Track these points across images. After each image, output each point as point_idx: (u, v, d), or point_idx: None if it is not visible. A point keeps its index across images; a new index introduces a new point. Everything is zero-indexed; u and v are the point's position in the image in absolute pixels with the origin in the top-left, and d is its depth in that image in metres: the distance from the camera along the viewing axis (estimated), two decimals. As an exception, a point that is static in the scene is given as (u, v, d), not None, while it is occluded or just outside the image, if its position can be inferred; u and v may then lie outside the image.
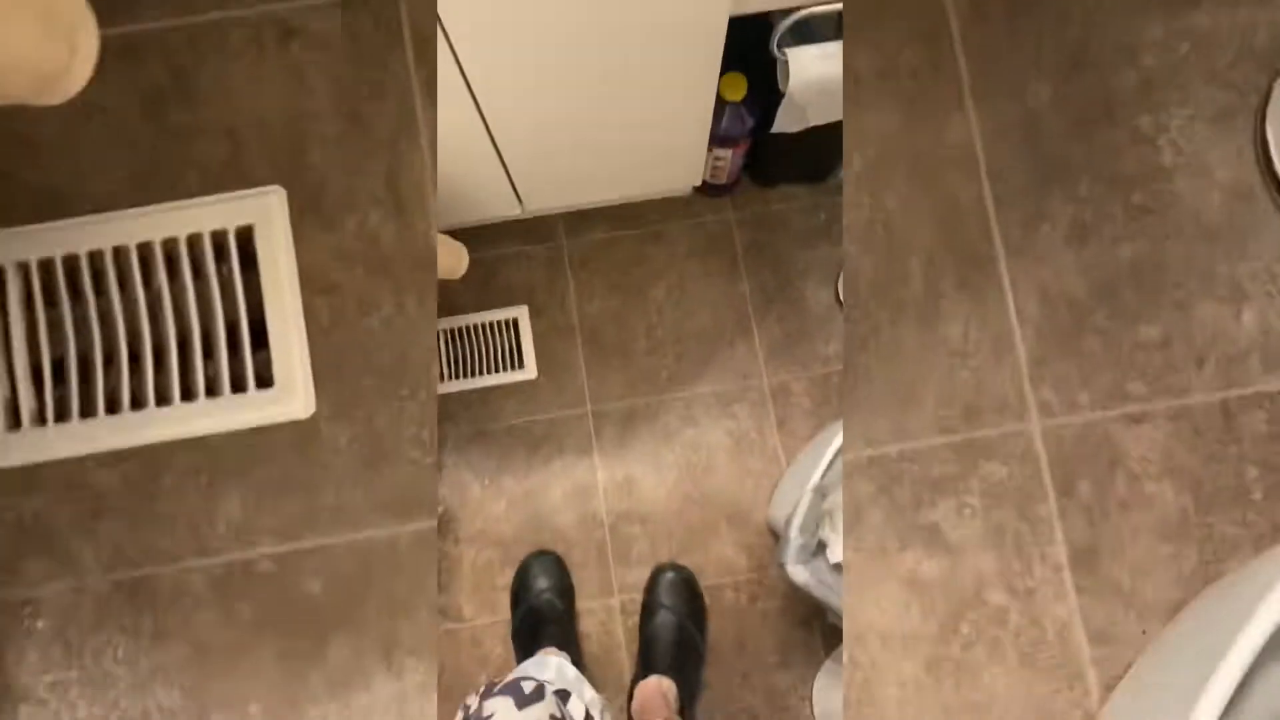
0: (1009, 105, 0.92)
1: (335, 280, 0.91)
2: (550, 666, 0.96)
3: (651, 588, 1.42)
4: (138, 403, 0.89)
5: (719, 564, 1.48)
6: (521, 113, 1.07)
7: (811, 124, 1.23)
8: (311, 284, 0.91)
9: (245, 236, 0.91)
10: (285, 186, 0.91)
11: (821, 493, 1.02)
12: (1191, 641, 0.85)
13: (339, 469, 0.89)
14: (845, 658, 0.88)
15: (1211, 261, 0.91)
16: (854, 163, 0.92)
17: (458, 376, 1.53)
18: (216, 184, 0.92)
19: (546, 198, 1.42)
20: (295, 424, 0.89)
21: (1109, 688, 0.87)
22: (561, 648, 1.33)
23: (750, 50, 1.13)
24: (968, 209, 0.92)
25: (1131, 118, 0.92)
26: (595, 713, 0.88)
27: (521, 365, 1.53)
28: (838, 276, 1.51)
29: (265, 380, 0.89)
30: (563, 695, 0.84)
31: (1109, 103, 0.92)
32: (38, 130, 0.91)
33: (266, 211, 0.91)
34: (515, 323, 1.55)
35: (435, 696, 0.87)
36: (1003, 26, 0.92)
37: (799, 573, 1.01)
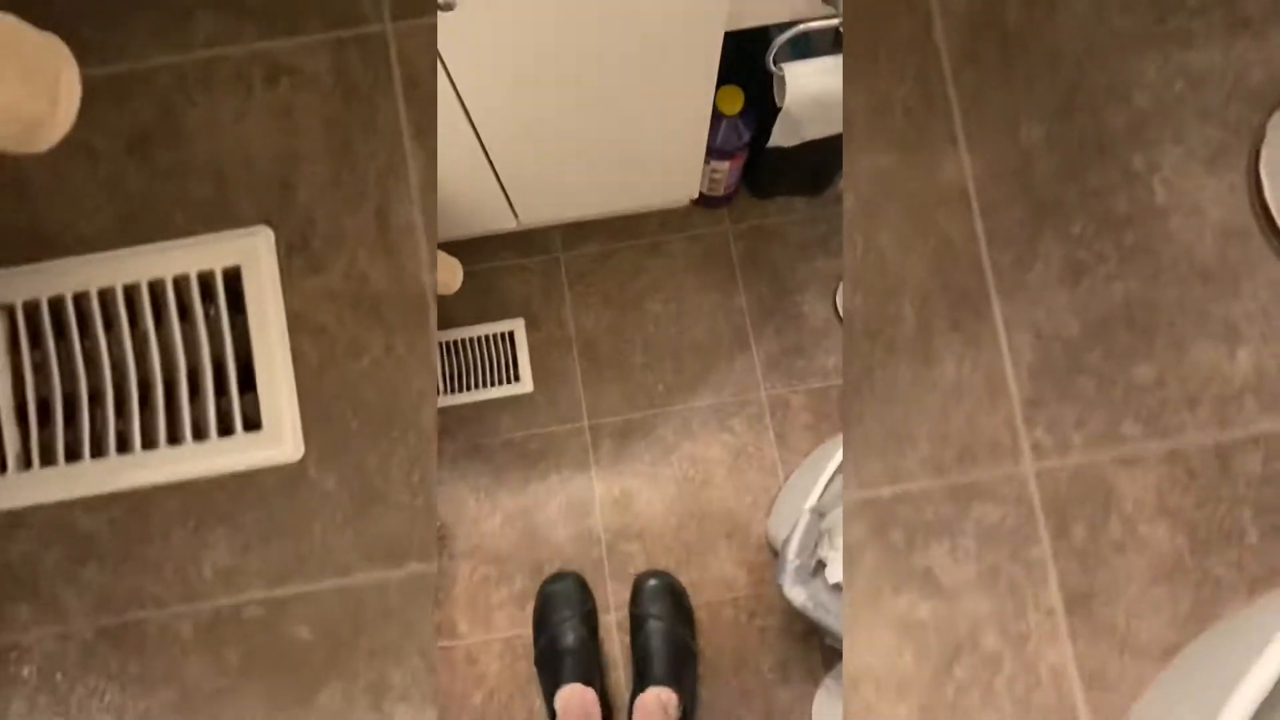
0: (1002, 144, 0.94)
1: (323, 321, 0.92)
2: None
3: (636, 598, 1.44)
4: (124, 446, 0.90)
5: (718, 581, 1.49)
6: (516, 125, 1.08)
7: (807, 138, 1.25)
8: (300, 325, 0.92)
9: (232, 277, 0.93)
10: (273, 227, 0.93)
11: (819, 512, 1.04)
12: (1189, 689, 0.86)
13: (328, 513, 0.90)
14: (844, 706, 0.89)
15: (1205, 301, 0.92)
16: (848, 201, 0.93)
17: (454, 390, 1.55)
18: (203, 223, 0.93)
19: (542, 211, 1.44)
20: (283, 468, 0.90)
21: (1104, 732, 0.89)
22: (586, 678, 1.34)
23: (747, 63, 1.15)
24: (961, 248, 0.93)
25: (1124, 157, 0.94)
26: None
27: (517, 379, 1.55)
28: (836, 290, 1.53)
29: (253, 423, 0.91)
30: None
31: (1101, 142, 0.94)
32: (23, 171, 0.92)
33: (254, 252, 0.92)
34: (511, 335, 1.56)
35: (425, 743, 0.88)
36: (995, 66, 0.94)
37: (796, 594, 1.02)
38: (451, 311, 1.57)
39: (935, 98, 0.94)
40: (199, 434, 0.91)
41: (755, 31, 1.04)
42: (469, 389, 1.54)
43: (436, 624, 1.37)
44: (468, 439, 1.53)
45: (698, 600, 1.47)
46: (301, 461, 0.91)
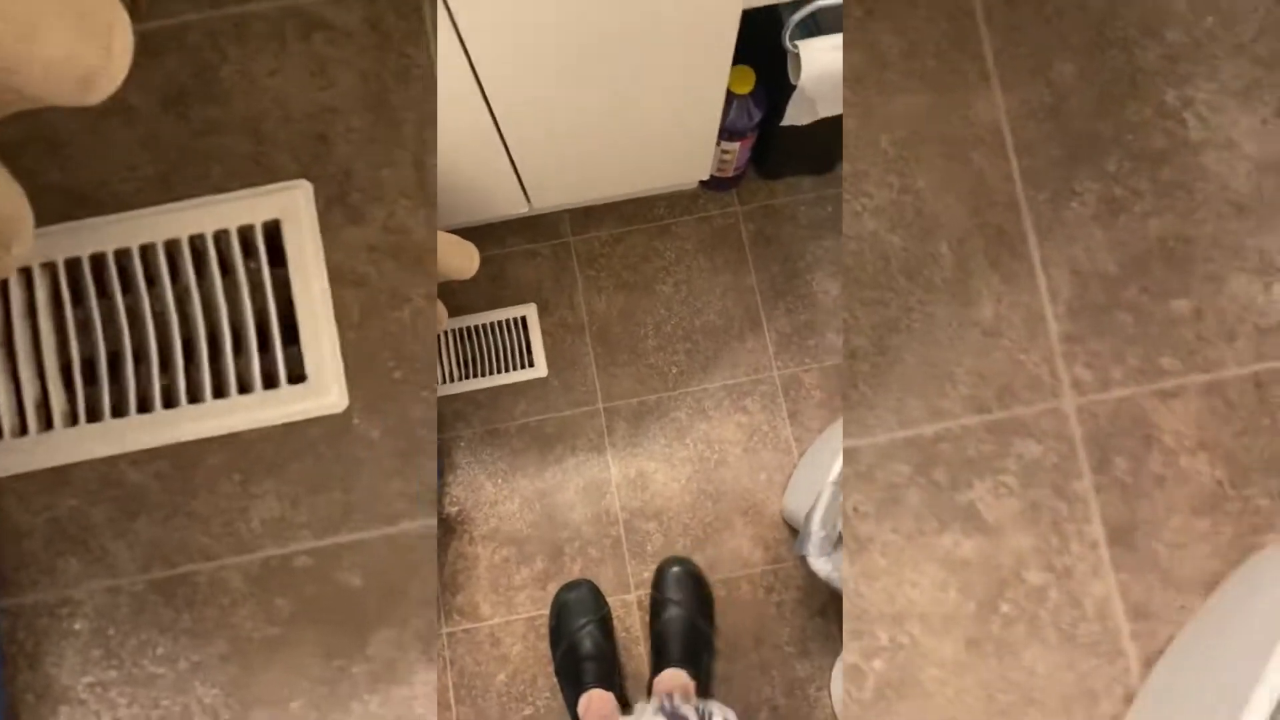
0: (1035, 83, 0.96)
1: (364, 273, 0.95)
2: None
3: (658, 583, 1.48)
4: (170, 400, 0.93)
5: (734, 558, 1.53)
6: (531, 106, 1.11)
7: (821, 115, 1.28)
8: (341, 277, 0.95)
9: (273, 231, 0.95)
10: (312, 180, 0.95)
11: (842, 486, 1.06)
12: (1232, 618, 0.89)
13: (374, 463, 0.92)
14: (884, 639, 0.92)
15: (1240, 235, 0.95)
16: (881, 142, 0.96)
17: (468, 376, 1.58)
18: (242, 179, 0.96)
19: (554, 195, 1.47)
20: (328, 418, 0.93)
21: (1149, 663, 0.92)
22: (606, 684, 1.38)
23: (758, 43, 1.18)
24: (996, 188, 0.96)
25: (1157, 93, 0.96)
26: None
27: (531, 364, 1.58)
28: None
29: (297, 375, 0.93)
30: None
31: (1134, 78, 0.96)
32: (61, 130, 0.95)
33: (293, 206, 0.95)
34: (524, 321, 1.59)
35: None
36: (1027, 3, 0.97)
37: (821, 565, 1.05)
38: (464, 298, 1.60)
39: (968, 37, 0.97)
40: (244, 387, 0.93)
41: (767, 11, 1.07)
42: (483, 375, 1.57)
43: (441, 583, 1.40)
44: (483, 424, 1.56)
45: (715, 577, 1.51)
46: (347, 411, 0.94)
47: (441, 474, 1.51)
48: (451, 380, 1.57)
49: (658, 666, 1.41)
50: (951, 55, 0.97)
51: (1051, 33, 0.97)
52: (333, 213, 0.96)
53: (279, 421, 0.93)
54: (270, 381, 0.94)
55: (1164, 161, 0.96)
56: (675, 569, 1.47)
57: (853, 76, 0.97)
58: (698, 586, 1.47)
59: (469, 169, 1.27)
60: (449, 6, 0.88)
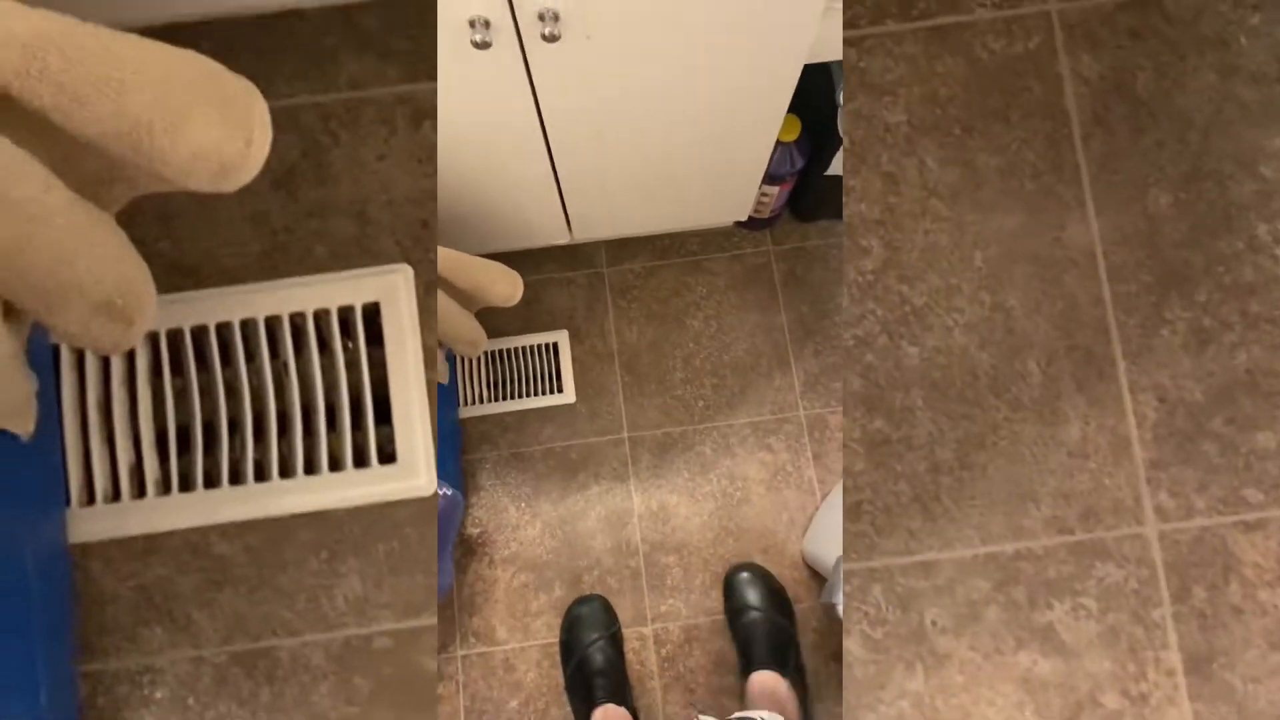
0: (1129, 210, 0.98)
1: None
2: None
3: (729, 594, 1.48)
4: (261, 474, 0.95)
5: None
6: (588, 146, 1.15)
7: None
8: (435, 362, 0.96)
9: (371, 313, 0.97)
10: (412, 265, 0.97)
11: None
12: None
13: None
14: (959, 757, 0.92)
15: (1328, 372, 0.96)
16: (975, 259, 0.98)
17: (498, 399, 1.60)
18: (345, 260, 0.98)
19: (594, 226, 1.51)
20: (416, 501, 0.95)
21: (1222, 797, 0.92)
22: (616, 698, 1.38)
23: (806, 92, 1.22)
24: (1087, 311, 0.97)
25: (1249, 227, 0.98)
26: None
27: (560, 390, 1.60)
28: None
29: (388, 455, 0.95)
30: None
31: (1228, 211, 0.98)
32: (173, 202, 0.97)
33: (393, 290, 0.97)
34: (555, 347, 1.62)
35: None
36: (1124, 132, 0.99)
37: None
38: (499, 321, 1.63)
39: (1064, 161, 0.99)
40: (335, 465, 0.95)
41: (817, 65, 1.10)
42: (513, 398, 1.60)
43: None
44: (509, 447, 1.58)
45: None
46: (434, 495, 0.95)
47: (465, 495, 1.53)
48: (481, 402, 1.59)
49: (746, 669, 1.41)
50: (1048, 178, 0.99)
51: (1148, 162, 0.99)
52: (431, 298, 0.98)
53: (368, 501, 0.95)
54: (361, 460, 0.96)
55: (1253, 294, 0.98)
56: (744, 574, 1.48)
57: (948, 192, 0.99)
58: (770, 588, 1.48)
59: (518, 199, 1.31)
60: (524, 48, 0.91)
